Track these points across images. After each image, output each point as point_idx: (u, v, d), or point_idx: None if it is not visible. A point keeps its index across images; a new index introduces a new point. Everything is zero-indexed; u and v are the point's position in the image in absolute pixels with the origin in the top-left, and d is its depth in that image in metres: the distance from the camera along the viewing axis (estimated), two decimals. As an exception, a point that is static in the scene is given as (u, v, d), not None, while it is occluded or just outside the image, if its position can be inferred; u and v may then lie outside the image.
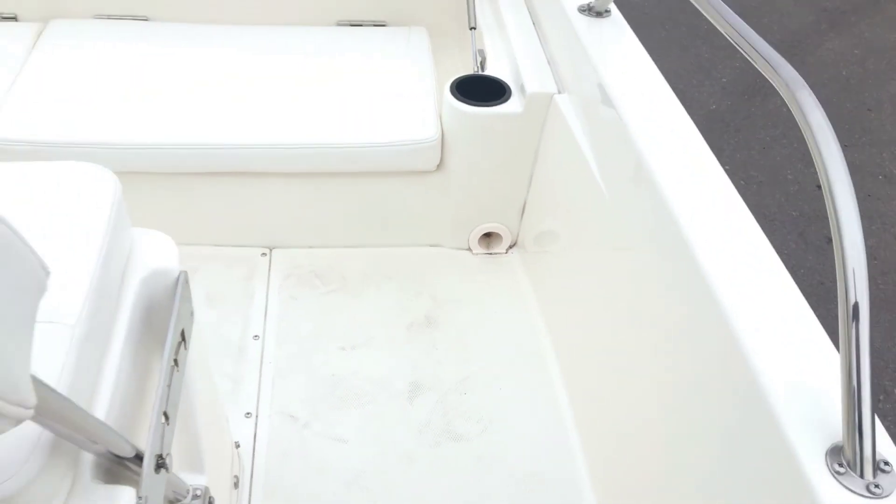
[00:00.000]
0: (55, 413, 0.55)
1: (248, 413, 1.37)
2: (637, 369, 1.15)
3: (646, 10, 4.25)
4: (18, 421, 0.46)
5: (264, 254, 1.68)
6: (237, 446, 1.29)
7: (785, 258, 2.53)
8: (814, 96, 0.82)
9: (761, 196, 2.92)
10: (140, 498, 0.69)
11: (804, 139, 0.78)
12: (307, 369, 1.46)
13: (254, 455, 1.30)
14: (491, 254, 1.72)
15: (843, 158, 0.76)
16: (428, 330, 1.54)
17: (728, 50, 3.83)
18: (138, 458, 0.72)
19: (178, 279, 0.89)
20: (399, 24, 1.88)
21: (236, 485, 1.21)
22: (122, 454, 0.69)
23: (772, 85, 0.88)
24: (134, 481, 0.72)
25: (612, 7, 1.46)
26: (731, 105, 3.45)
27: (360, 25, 1.86)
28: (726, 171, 1.11)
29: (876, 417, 0.73)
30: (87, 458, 0.69)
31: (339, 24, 1.86)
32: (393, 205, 1.64)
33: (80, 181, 0.84)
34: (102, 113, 1.49)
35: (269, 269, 1.65)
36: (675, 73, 3.67)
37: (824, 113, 0.80)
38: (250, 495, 1.25)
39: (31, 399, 0.47)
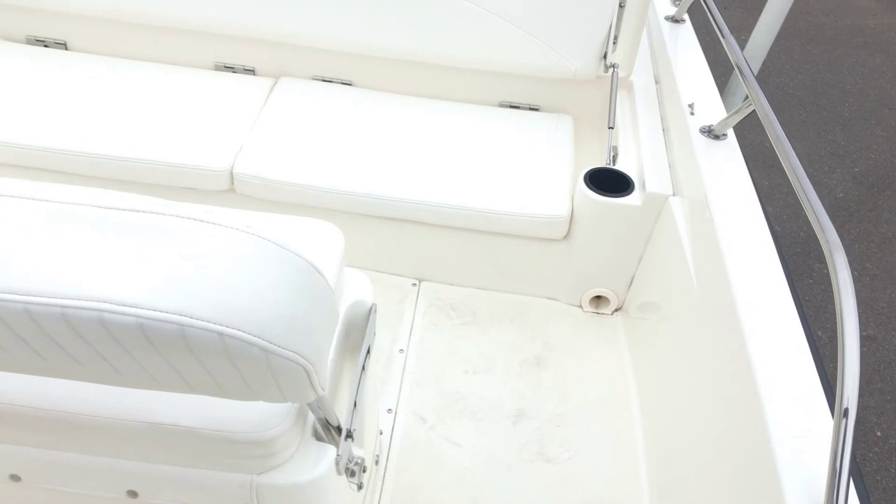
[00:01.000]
0: None
1: (389, 409, 1.77)
2: (705, 430, 1.46)
3: (790, 89, 4.40)
4: (319, 397, 0.86)
5: (414, 284, 2.09)
6: (381, 433, 1.70)
7: (888, 353, 2.70)
8: (846, 259, 1.12)
9: (873, 289, 3.06)
10: (338, 455, 1.09)
11: None
12: (437, 383, 1.85)
13: (391, 442, 1.70)
14: (598, 313, 2.05)
15: (856, 312, 1.05)
16: (537, 368, 1.90)
17: (864, 140, 3.94)
18: (338, 428, 1.12)
19: (370, 309, 1.29)
20: (550, 110, 2.25)
21: (377, 462, 1.61)
22: (332, 423, 1.09)
23: None
24: (334, 443, 1.12)
25: (730, 132, 1.77)
26: (859, 195, 3.56)
27: (518, 108, 2.24)
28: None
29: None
30: (311, 421, 1.10)
31: (501, 104, 2.25)
32: (522, 262, 2.01)
33: (319, 234, 1.26)
34: (321, 160, 1.94)
35: (417, 297, 2.05)
36: (809, 156, 3.83)
37: (850, 274, 1.10)
38: (385, 472, 1.65)
39: (326, 385, 0.88)
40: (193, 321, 0.70)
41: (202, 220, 0.73)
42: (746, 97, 1.68)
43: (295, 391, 0.84)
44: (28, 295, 0.69)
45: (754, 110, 1.61)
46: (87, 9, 2.12)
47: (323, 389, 0.87)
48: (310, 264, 0.81)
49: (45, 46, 2.26)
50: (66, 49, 2.27)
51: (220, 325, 0.71)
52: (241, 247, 0.74)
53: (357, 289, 1.32)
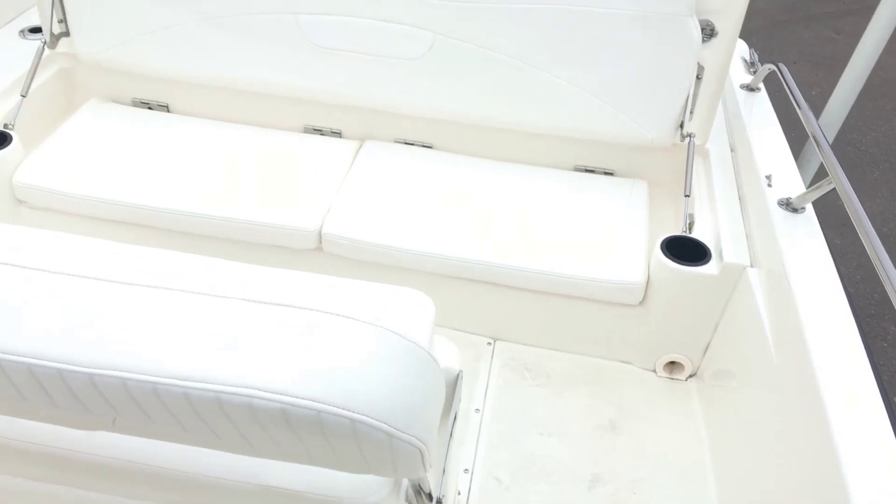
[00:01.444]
0: None
1: (466, 469, 1.82)
2: (782, 502, 1.46)
3: (862, 146, 4.35)
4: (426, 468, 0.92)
5: (489, 343, 2.14)
6: (458, 493, 1.75)
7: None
8: None
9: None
10: None
11: None
12: (512, 444, 1.89)
13: (468, 503, 1.75)
14: (672, 379, 2.07)
15: None
16: (611, 433, 1.92)
17: (941, 201, 3.87)
18: (429, 495, 1.17)
19: (458, 376, 1.36)
20: (624, 175, 2.30)
21: None
22: (424, 490, 1.15)
23: None
24: None
25: (809, 207, 1.80)
26: (936, 257, 3.49)
27: (593, 172, 2.30)
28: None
29: None
30: (405, 486, 1.16)
31: (576, 168, 2.32)
32: (597, 325, 2.05)
33: (412, 304, 1.32)
34: (404, 221, 2.03)
35: (492, 357, 2.11)
36: (882, 215, 3.77)
37: None
38: None
39: (434, 462, 0.94)
40: (329, 408, 0.78)
41: (337, 314, 0.81)
42: (827, 177, 1.70)
43: (407, 469, 0.90)
44: (187, 380, 0.77)
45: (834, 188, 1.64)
46: (188, 75, 2.28)
47: (431, 466, 0.93)
48: (426, 353, 0.87)
49: (149, 108, 2.43)
50: (168, 111, 2.43)
51: (352, 411, 0.78)
52: (371, 339, 0.81)
53: (446, 356, 1.38)
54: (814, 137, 1.91)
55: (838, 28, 5.68)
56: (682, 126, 2.10)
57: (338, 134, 2.40)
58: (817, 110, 2.09)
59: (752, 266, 1.82)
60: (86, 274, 0.88)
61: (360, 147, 2.33)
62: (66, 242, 1.02)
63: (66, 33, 2.25)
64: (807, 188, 1.98)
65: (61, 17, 2.22)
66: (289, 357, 0.78)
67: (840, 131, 4.04)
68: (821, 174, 2.50)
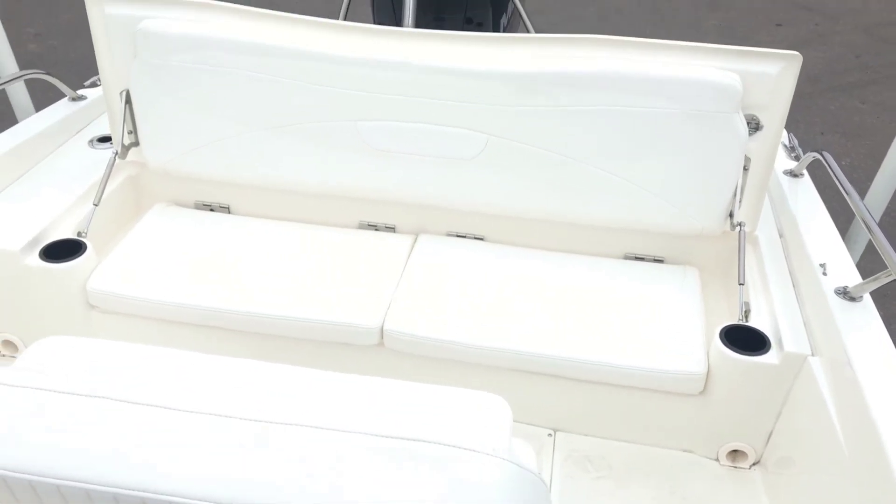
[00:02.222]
0: None
1: None
2: None
3: (900, 217, 4.35)
4: None
5: (550, 434, 2.16)
6: None
7: None
8: None
9: None
10: None
11: None
12: (580, 539, 1.89)
13: None
14: (735, 467, 2.06)
15: None
16: (679, 526, 1.91)
17: None
18: None
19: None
20: (674, 262, 2.34)
21: None
22: None
23: None
24: None
25: (867, 296, 1.82)
26: None
27: (643, 259, 2.35)
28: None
29: None
30: None
31: (626, 256, 2.37)
32: (657, 414, 2.06)
33: (491, 410, 1.36)
34: (461, 316, 2.08)
35: (554, 449, 2.12)
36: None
37: None
38: None
39: None
40: None
41: (457, 447, 0.85)
42: (886, 268, 1.73)
43: None
44: None
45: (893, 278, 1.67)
46: (249, 179, 2.38)
47: None
48: (537, 477, 0.91)
49: (211, 210, 2.53)
50: (230, 212, 2.53)
51: None
52: (493, 471, 0.85)
53: (523, 460, 1.40)
54: (865, 224, 1.95)
55: (863, 98, 5.77)
56: (731, 215, 2.15)
57: (391, 229, 2.48)
58: (854, 182, 2.12)
59: (813, 355, 1.84)
60: (168, 405, 0.93)
61: (415, 242, 2.40)
62: (135, 357, 1.09)
63: (136, 143, 2.38)
64: (856, 265, 2.01)
65: (131, 128, 2.35)
66: (418, 490, 0.82)
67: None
68: (869, 253, 2.52)
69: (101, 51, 2.27)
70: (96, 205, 2.27)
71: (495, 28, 3.08)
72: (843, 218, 2.35)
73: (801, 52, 6.50)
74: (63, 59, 6.16)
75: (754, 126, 2.07)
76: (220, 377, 1.25)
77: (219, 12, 2.21)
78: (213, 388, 1.19)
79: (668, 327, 2.06)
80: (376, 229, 2.48)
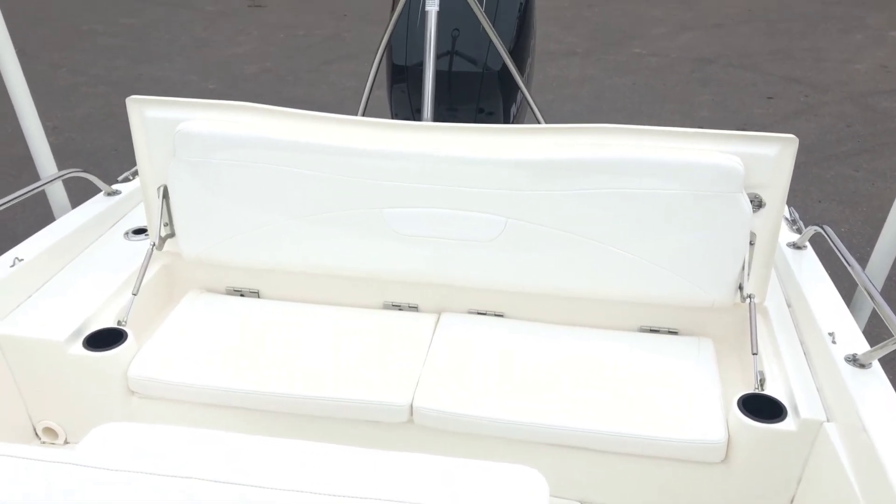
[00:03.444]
0: None
1: None
2: None
3: (901, 281, 4.45)
4: None
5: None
6: None
7: None
8: None
9: None
10: None
11: None
12: None
13: None
14: None
15: None
16: None
17: None
18: None
19: None
20: (688, 333, 2.44)
21: None
22: None
23: None
24: None
25: (875, 363, 1.91)
26: None
27: (657, 331, 2.45)
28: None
29: None
30: None
31: (641, 329, 2.46)
32: (682, 484, 2.12)
33: (526, 485, 1.43)
34: (487, 391, 2.16)
35: None
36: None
37: None
38: None
39: None
40: None
41: None
42: (891, 336, 1.83)
43: None
44: None
45: None
46: (278, 265, 2.50)
47: None
48: None
49: (242, 295, 2.65)
50: (259, 296, 2.65)
51: None
52: None
53: None
54: (869, 294, 2.06)
55: (857, 165, 5.96)
56: (741, 288, 2.26)
57: (415, 308, 2.58)
58: (854, 248, 2.22)
59: (828, 421, 1.92)
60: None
61: (438, 320, 2.51)
62: (191, 439, 1.19)
63: (171, 234, 2.51)
64: (862, 331, 2.10)
65: (167, 220, 2.48)
66: None
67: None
68: (875, 318, 2.62)
69: (141, 151, 2.42)
70: (135, 294, 2.38)
71: (506, 117, 3.26)
72: (846, 283, 2.46)
73: (793, 123, 6.73)
74: (81, 151, 6.38)
75: (757, 203, 2.20)
76: (268, 456, 1.34)
77: (251, 113, 2.37)
78: (268, 466, 1.28)
79: (688, 397, 2.14)
80: (400, 309, 2.58)
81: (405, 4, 3.11)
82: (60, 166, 2.87)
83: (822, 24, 9.06)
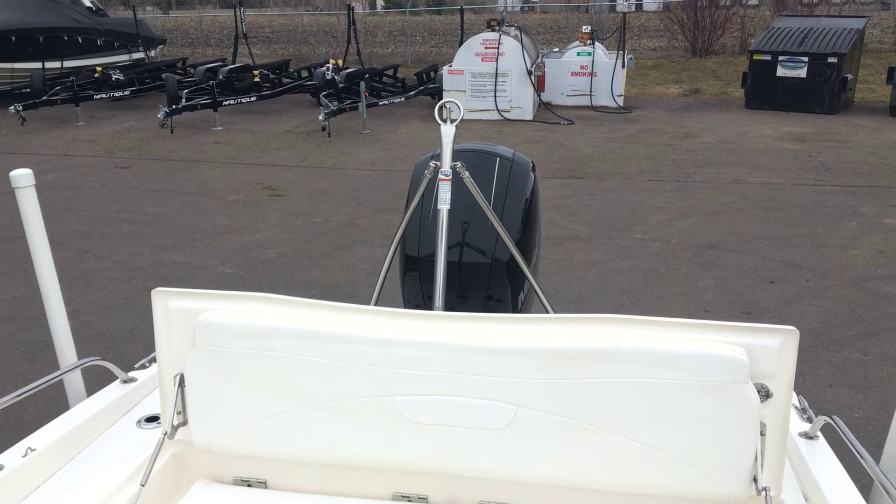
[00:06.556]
0: None
1: None
2: None
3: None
4: None
5: None
6: None
7: None
8: None
9: None
10: None
11: None
12: None
13: None
14: None
15: None
16: None
17: None
18: None
19: None
20: None
21: None
22: None
23: None
24: None
25: None
26: None
27: None
28: None
29: None
30: None
31: None
32: None
33: None
34: None
35: None
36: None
37: None
38: None
39: None
40: None
41: None
42: None
43: None
44: None
45: None
46: (288, 455, 2.50)
47: None
48: None
49: (249, 485, 2.61)
50: (266, 486, 2.61)
51: None
52: None
53: None
54: (885, 490, 2.03)
55: (864, 349, 5.99)
56: (755, 480, 2.23)
57: (424, 499, 2.54)
58: (870, 434, 2.20)
59: None
60: None
61: None
62: None
63: (184, 423, 2.53)
64: None
65: (180, 409, 2.52)
66: None
67: None
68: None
69: (161, 340, 2.50)
70: (143, 485, 2.36)
71: (514, 304, 3.37)
72: (860, 475, 2.42)
73: (797, 308, 6.84)
74: (97, 334, 6.51)
75: (765, 394, 2.22)
76: None
77: (269, 303, 2.48)
78: None
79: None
80: (409, 500, 2.54)
81: (418, 201, 3.32)
82: (77, 349, 2.95)
83: (817, 212, 9.46)
